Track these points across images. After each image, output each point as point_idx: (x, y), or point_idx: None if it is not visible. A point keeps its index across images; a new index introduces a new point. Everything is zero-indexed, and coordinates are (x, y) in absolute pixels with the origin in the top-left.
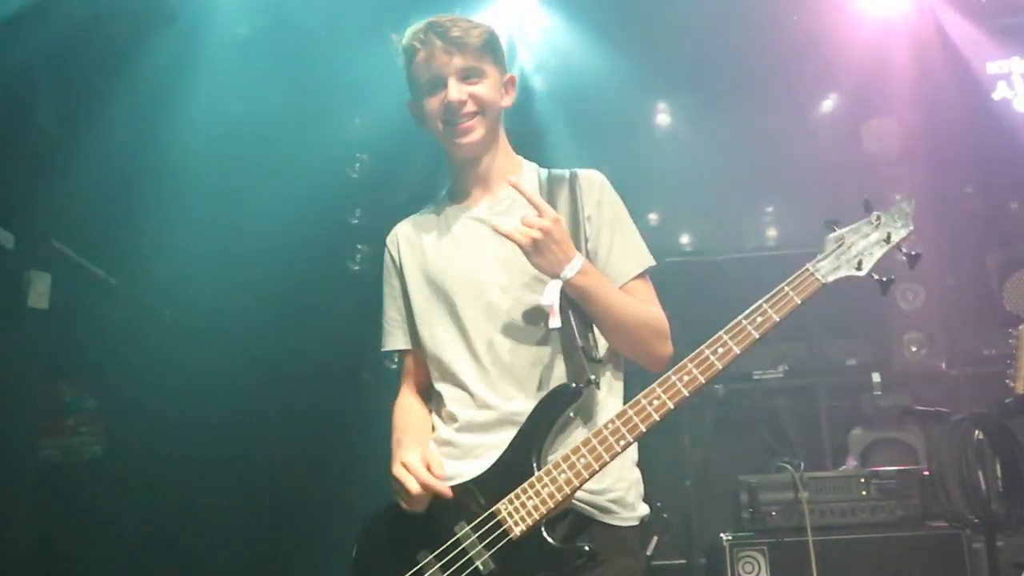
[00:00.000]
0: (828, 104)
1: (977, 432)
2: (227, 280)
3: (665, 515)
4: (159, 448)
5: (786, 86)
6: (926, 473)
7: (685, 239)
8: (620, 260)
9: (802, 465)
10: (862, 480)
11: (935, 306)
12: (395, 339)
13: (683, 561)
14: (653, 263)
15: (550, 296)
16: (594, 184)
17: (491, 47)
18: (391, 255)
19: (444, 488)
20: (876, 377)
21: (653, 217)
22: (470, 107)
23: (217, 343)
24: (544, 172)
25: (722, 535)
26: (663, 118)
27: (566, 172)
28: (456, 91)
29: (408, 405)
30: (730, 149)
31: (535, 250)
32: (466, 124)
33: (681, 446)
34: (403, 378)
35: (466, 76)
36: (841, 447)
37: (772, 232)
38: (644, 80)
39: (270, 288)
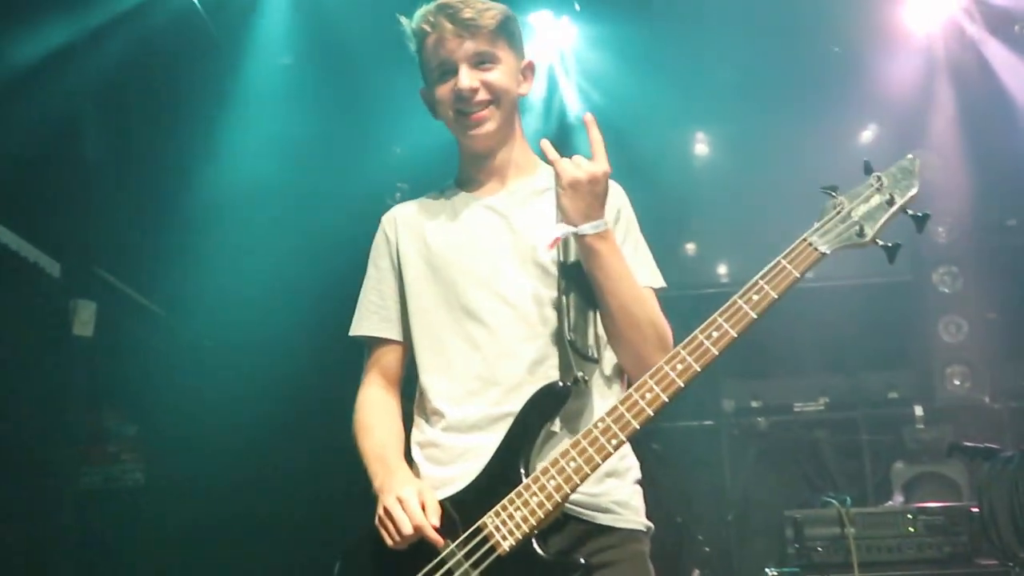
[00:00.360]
0: (868, 135)
1: None
2: (267, 308)
3: (707, 549)
4: (199, 475)
5: (825, 116)
6: (974, 509)
7: (722, 269)
8: (633, 270)
9: (848, 500)
10: (909, 516)
11: (978, 339)
12: (369, 324)
13: None
14: (664, 285)
15: (560, 230)
16: (612, 194)
17: (506, 30)
18: (386, 236)
19: (437, 538)
20: (918, 410)
21: (690, 247)
22: (483, 95)
23: (257, 371)
24: None
25: (767, 570)
26: (701, 148)
27: None
28: (467, 78)
29: (383, 405)
30: (768, 179)
31: (572, 189)
32: (479, 114)
33: (722, 479)
34: (368, 369)
35: (479, 62)
36: (884, 481)
37: None
38: (683, 110)
39: (310, 317)
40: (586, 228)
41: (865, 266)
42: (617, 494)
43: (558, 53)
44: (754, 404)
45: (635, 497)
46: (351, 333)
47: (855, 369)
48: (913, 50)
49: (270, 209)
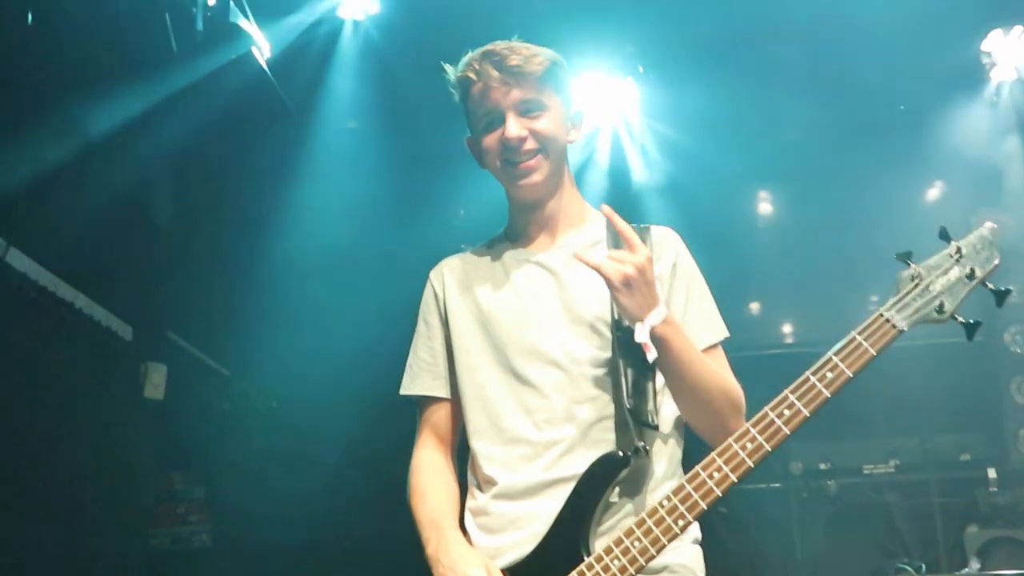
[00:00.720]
0: (934, 192)
1: None
2: (333, 369)
3: None
4: (265, 537)
5: (891, 174)
6: None
7: (787, 328)
8: (697, 327)
9: (923, 567)
10: None
11: None
12: (421, 383)
13: None
14: (728, 335)
15: (642, 334)
16: (667, 242)
17: (554, 76)
18: (435, 291)
19: None
20: (991, 473)
21: (754, 306)
22: (531, 144)
23: (323, 433)
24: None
25: None
26: (765, 207)
27: (636, 225)
28: (515, 127)
29: (437, 467)
30: (832, 237)
31: (625, 288)
32: (527, 163)
33: (791, 543)
34: (422, 430)
35: (526, 110)
36: (956, 546)
37: None
38: (746, 168)
39: (376, 378)
40: (652, 319)
41: (936, 325)
42: (676, 555)
43: (621, 114)
44: (823, 466)
45: (693, 557)
46: (402, 392)
47: (926, 431)
48: (980, 107)
49: (336, 272)
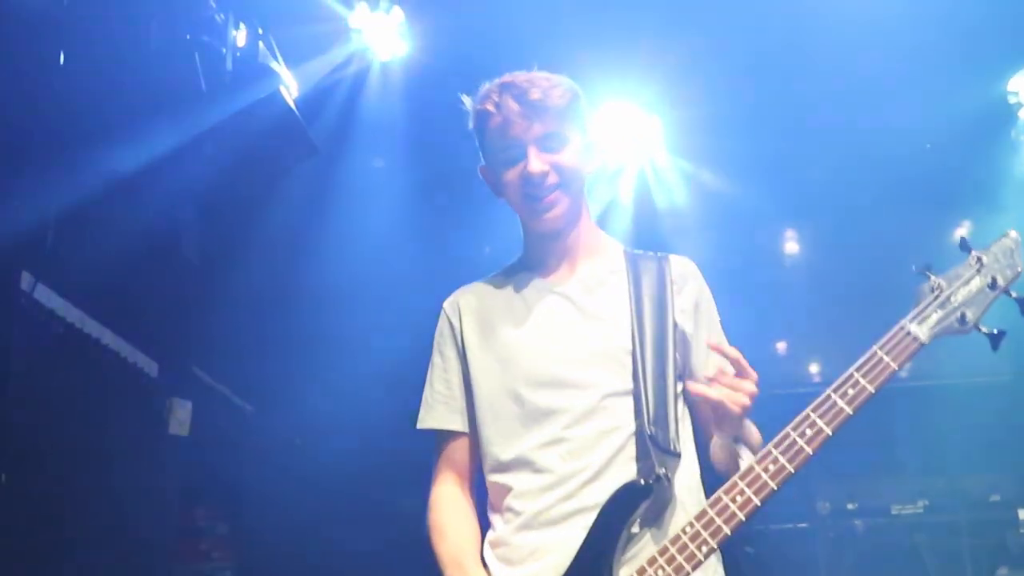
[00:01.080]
0: (962, 231)
1: None
2: (356, 407)
3: None
4: (289, 573)
5: (918, 213)
6: None
7: (814, 368)
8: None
9: None
10: None
11: None
12: (437, 416)
13: None
14: None
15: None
16: (688, 275)
17: (574, 108)
18: (450, 323)
19: None
20: (1022, 514)
21: (781, 346)
22: (553, 178)
23: (346, 470)
24: (628, 251)
25: None
26: (791, 246)
27: (653, 254)
28: (537, 162)
29: (456, 503)
30: (860, 276)
31: (738, 417)
32: (550, 197)
33: None
34: (440, 465)
35: (547, 145)
36: None
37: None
38: (773, 208)
39: (399, 416)
40: (739, 432)
41: (964, 365)
42: None
43: (648, 151)
44: (850, 506)
45: None
46: (419, 426)
47: (955, 470)
48: (1007, 145)
49: (361, 309)
